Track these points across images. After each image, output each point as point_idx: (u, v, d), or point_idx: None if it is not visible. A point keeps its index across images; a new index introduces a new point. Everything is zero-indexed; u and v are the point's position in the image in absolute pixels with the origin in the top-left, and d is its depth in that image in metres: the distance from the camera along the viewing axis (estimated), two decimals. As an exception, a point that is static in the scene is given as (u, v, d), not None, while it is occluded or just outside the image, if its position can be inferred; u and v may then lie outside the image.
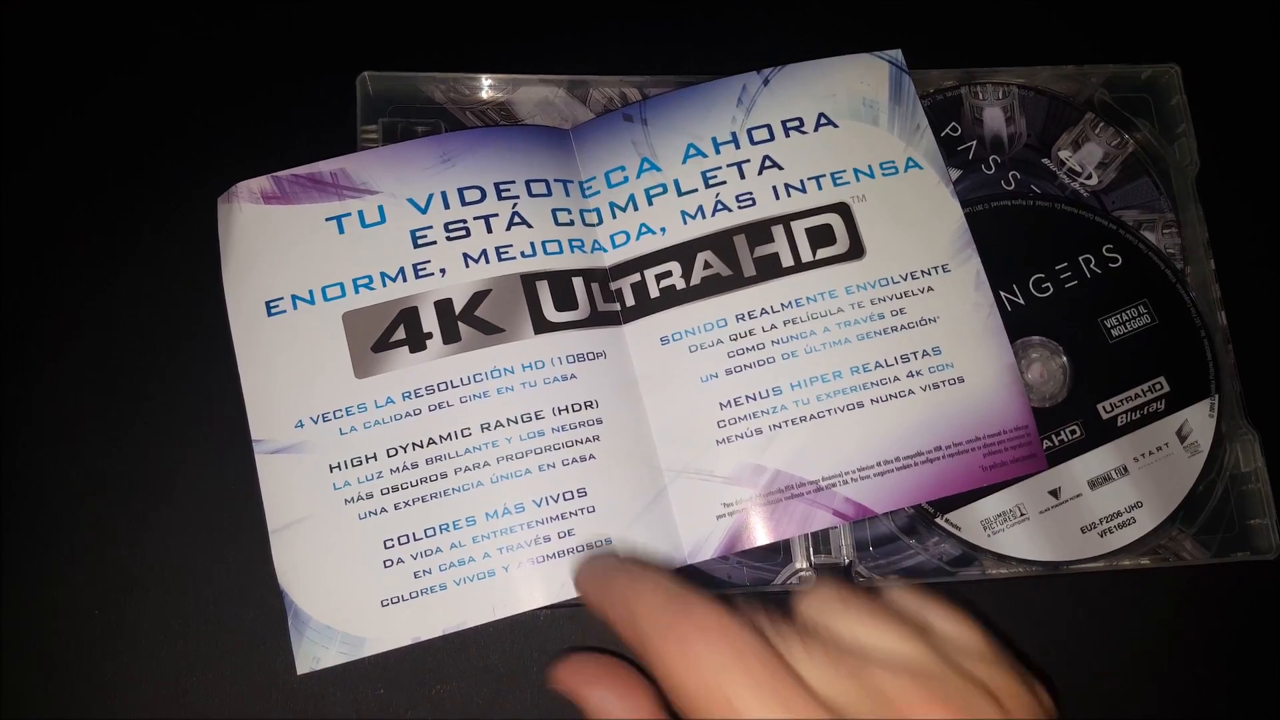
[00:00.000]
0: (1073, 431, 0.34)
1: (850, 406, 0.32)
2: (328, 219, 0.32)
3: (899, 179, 0.34)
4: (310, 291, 0.31)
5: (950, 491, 0.32)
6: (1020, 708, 0.21)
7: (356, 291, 0.31)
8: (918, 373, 0.32)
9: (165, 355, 0.35)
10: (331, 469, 0.30)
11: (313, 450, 0.30)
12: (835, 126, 0.34)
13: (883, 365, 0.32)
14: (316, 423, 0.30)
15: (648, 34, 0.40)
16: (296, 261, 0.31)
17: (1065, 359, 0.35)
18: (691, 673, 0.20)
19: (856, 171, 0.33)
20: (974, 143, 0.37)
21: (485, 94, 0.37)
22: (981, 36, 0.40)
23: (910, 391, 0.32)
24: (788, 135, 0.34)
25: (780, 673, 0.20)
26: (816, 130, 0.34)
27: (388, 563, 0.29)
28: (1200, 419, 0.35)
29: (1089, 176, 0.37)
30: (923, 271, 0.33)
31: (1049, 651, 0.34)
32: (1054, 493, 0.34)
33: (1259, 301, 0.37)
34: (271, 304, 0.31)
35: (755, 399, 0.32)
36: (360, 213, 0.32)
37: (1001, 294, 0.35)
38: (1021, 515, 0.33)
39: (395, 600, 0.29)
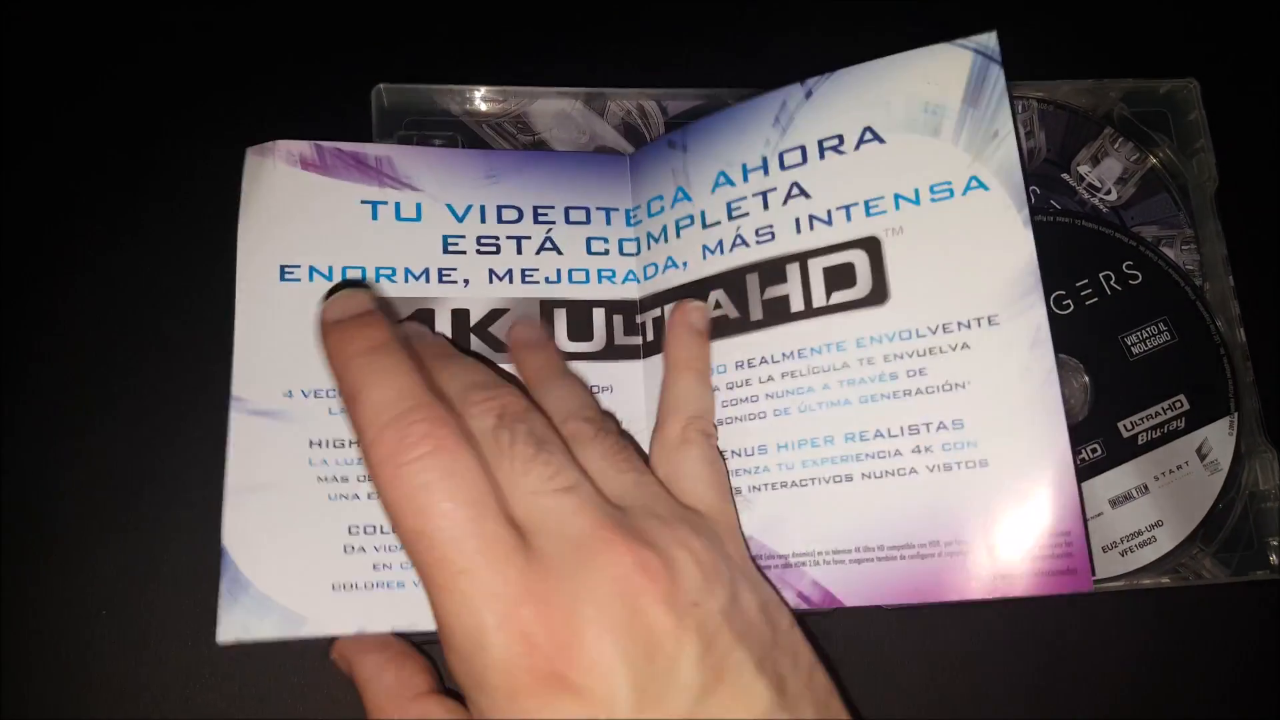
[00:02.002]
0: (1094, 450, 0.34)
1: (837, 479, 0.28)
2: (363, 201, 0.31)
3: (952, 204, 0.28)
4: (330, 268, 0.30)
5: (940, 599, 0.26)
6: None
7: (378, 279, 0.31)
8: (926, 448, 0.27)
9: (171, 345, 0.35)
10: (311, 444, 0.29)
11: (296, 421, 0.29)
12: (881, 142, 0.29)
13: (883, 435, 0.27)
14: (306, 396, 0.29)
15: (668, 45, 0.39)
16: (322, 235, 0.31)
17: (1086, 377, 0.35)
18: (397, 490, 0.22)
19: (898, 198, 0.29)
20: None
21: (501, 106, 0.36)
22: (1000, 50, 0.40)
23: (912, 470, 0.27)
24: (822, 157, 0.30)
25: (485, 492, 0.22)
26: (858, 148, 0.29)
27: (348, 548, 0.28)
28: (1220, 437, 0.35)
29: (1108, 192, 0.37)
30: (959, 324, 0.27)
31: (1070, 671, 0.34)
32: (1075, 511, 0.34)
33: (1278, 318, 0.37)
34: (287, 269, 0.30)
35: (740, 455, 0.29)
36: (398, 205, 0.31)
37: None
38: (1043, 534, 0.33)
39: (348, 587, 0.28)
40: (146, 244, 0.36)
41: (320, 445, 0.29)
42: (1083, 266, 0.36)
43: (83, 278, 0.36)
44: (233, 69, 0.38)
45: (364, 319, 0.25)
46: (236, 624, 0.27)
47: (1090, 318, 0.35)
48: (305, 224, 0.31)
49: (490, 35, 0.39)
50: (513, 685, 0.20)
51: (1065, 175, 0.37)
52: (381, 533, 0.29)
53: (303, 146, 0.31)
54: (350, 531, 0.28)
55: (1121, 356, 0.35)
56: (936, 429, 0.27)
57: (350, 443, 0.29)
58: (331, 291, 0.29)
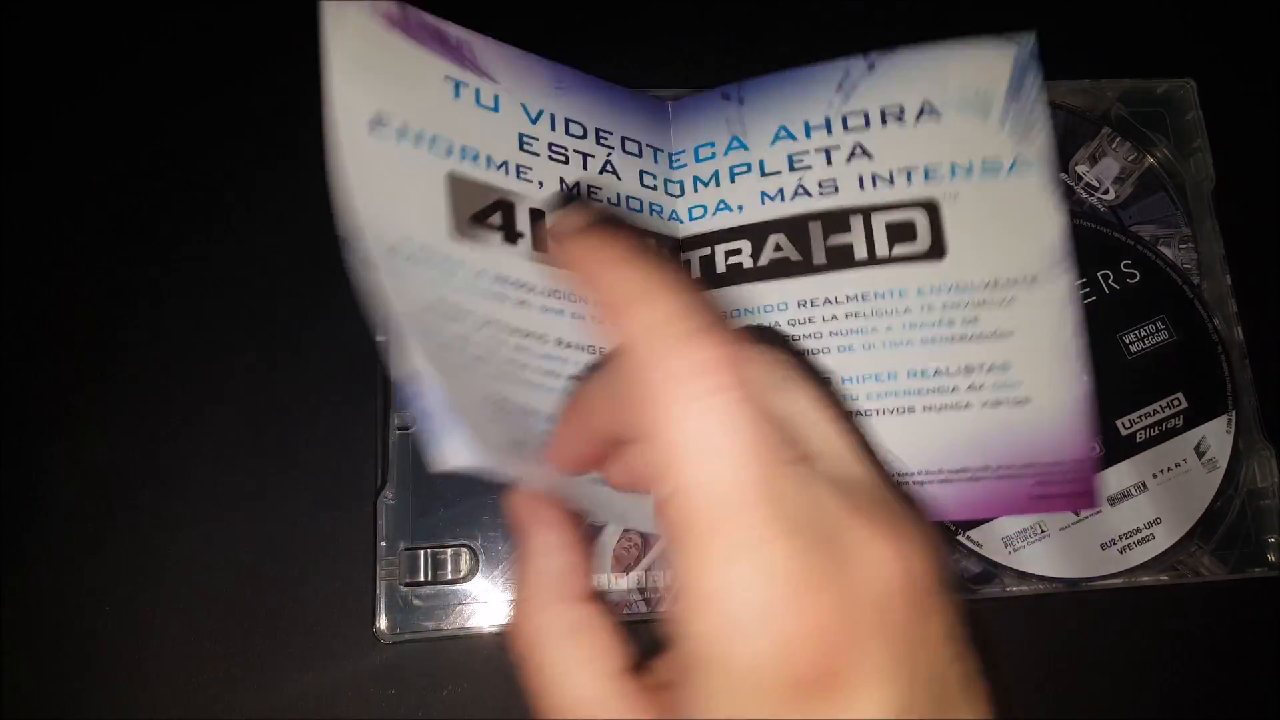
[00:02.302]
0: (1092, 449, 0.34)
1: (899, 410, 0.31)
2: (446, 77, 0.30)
3: (1000, 179, 0.31)
4: (420, 134, 0.29)
5: (991, 514, 0.31)
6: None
7: (463, 158, 0.30)
8: (979, 386, 0.30)
9: (171, 344, 0.35)
10: (424, 311, 0.26)
11: (403, 281, 0.26)
12: (938, 116, 0.32)
13: (942, 373, 0.30)
14: (407, 261, 0.27)
15: (668, 46, 0.39)
16: (409, 96, 0.29)
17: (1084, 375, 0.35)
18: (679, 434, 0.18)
19: (954, 167, 0.31)
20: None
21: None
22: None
23: (967, 404, 0.30)
24: (884, 124, 0.32)
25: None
26: (917, 120, 0.32)
27: (493, 419, 0.26)
28: (1218, 435, 0.35)
29: (1106, 191, 0.37)
30: (1007, 281, 0.30)
31: (1069, 668, 0.34)
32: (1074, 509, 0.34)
33: (1275, 316, 0.37)
34: (377, 122, 0.28)
35: None
36: (477, 90, 0.31)
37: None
38: (1042, 532, 0.33)
39: (520, 447, 0.26)
40: (146, 245, 0.36)
41: (432, 315, 0.26)
42: (1081, 265, 0.36)
43: (81, 278, 0.36)
44: (233, 69, 0.38)
45: (610, 229, 0.22)
46: (458, 453, 0.23)
47: (1088, 316, 0.35)
48: (392, 80, 0.29)
49: (490, 35, 0.39)
50: (761, 681, 0.18)
51: (1063, 175, 0.37)
52: (505, 411, 0.26)
53: (388, 4, 0.29)
54: (487, 401, 0.26)
55: (1120, 355, 0.35)
56: (987, 370, 0.30)
57: (459, 316, 0.26)
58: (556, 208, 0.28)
